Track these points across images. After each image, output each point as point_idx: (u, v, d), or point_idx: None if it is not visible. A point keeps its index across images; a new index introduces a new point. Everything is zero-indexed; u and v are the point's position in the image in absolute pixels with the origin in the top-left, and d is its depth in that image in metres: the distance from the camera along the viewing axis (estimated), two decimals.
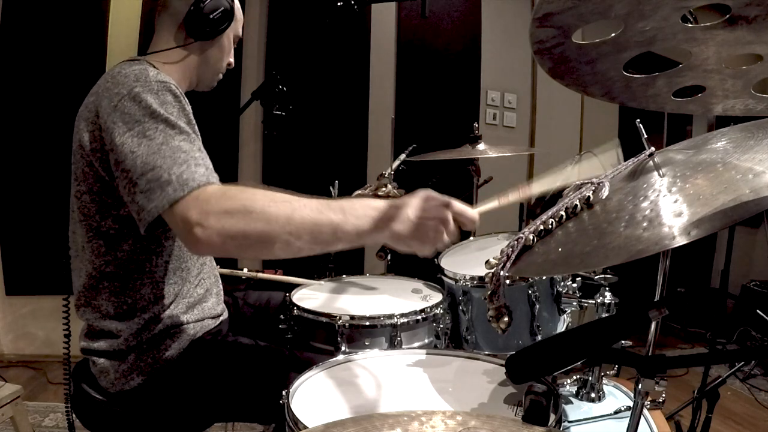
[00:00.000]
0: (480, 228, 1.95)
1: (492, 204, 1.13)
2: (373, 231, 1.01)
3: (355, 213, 1.01)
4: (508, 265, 0.95)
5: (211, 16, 1.27)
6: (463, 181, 2.31)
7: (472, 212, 1.07)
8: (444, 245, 1.04)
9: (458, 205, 1.05)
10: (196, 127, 1.15)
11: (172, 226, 1.04)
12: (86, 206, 1.18)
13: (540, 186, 1.14)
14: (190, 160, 1.05)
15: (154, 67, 1.19)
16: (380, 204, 1.03)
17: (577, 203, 0.92)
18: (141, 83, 1.10)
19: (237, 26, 1.37)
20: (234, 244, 1.00)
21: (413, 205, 1.02)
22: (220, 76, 1.41)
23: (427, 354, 1.24)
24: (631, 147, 1.04)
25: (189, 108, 1.15)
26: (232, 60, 1.41)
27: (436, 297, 1.61)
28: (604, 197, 0.89)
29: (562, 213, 0.93)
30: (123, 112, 1.08)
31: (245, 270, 2.01)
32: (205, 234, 0.98)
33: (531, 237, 0.94)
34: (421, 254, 1.05)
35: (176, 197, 1.00)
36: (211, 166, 1.08)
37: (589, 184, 0.94)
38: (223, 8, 1.29)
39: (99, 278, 1.21)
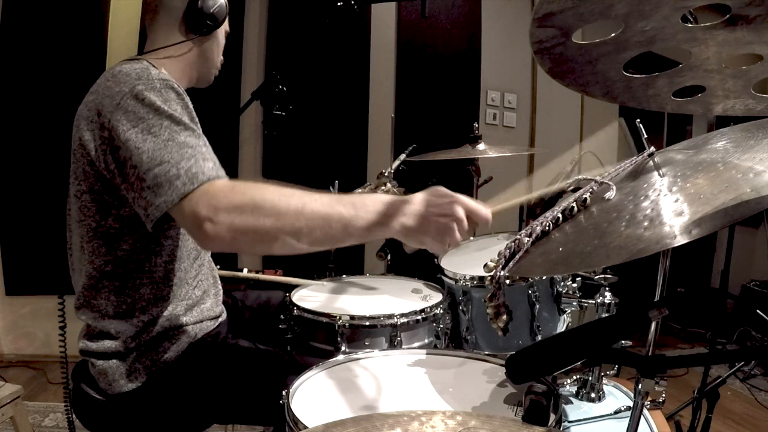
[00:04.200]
0: (480, 228, 1.95)
1: (507, 204, 1.11)
2: (383, 225, 1.00)
3: (365, 208, 1.00)
4: (509, 266, 0.95)
5: (211, 11, 1.29)
6: (463, 181, 2.31)
7: (486, 211, 1.03)
8: (456, 242, 1.01)
9: (471, 202, 1.02)
10: (199, 125, 1.15)
11: (180, 221, 1.04)
12: (86, 206, 1.18)
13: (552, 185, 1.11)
14: (198, 155, 1.05)
15: (155, 66, 1.19)
16: (390, 198, 1.02)
17: (574, 205, 0.92)
18: (143, 81, 1.11)
19: (226, 21, 1.39)
20: (245, 240, 0.99)
21: (423, 200, 1.01)
22: (216, 71, 1.42)
23: (427, 354, 1.24)
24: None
25: (191, 106, 1.15)
26: (221, 57, 1.42)
27: (436, 297, 1.61)
28: (611, 199, 0.88)
29: (559, 215, 0.93)
30: (126, 110, 1.08)
31: (245, 271, 2.01)
32: (215, 229, 0.97)
33: (526, 240, 0.94)
34: (432, 251, 1.04)
35: (185, 191, 1.00)
36: (218, 162, 1.07)
37: (593, 183, 0.94)
38: (220, 2, 1.30)
39: (98, 278, 1.20)
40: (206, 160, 1.05)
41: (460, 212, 1.00)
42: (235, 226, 0.98)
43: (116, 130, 1.08)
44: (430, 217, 0.99)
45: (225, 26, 1.38)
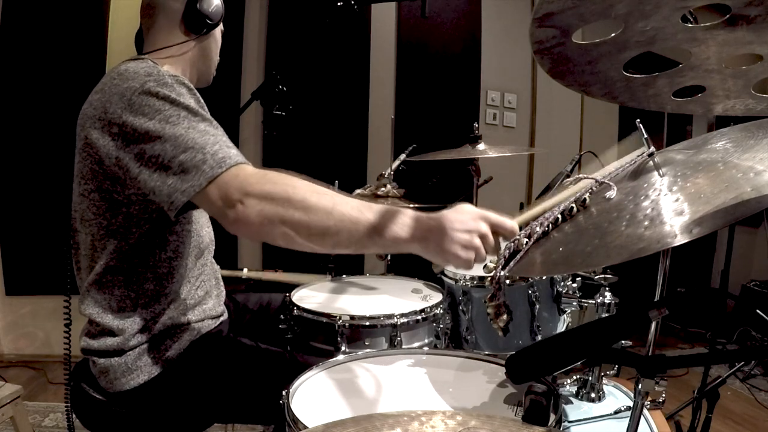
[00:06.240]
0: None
1: (532, 212, 1.10)
2: (408, 240, 0.99)
3: (393, 219, 0.99)
4: (509, 266, 0.95)
5: (210, 10, 1.30)
6: (463, 181, 2.31)
7: (511, 223, 1.03)
8: (482, 258, 1.00)
9: (495, 217, 1.01)
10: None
11: (207, 204, 1.03)
12: (95, 204, 1.18)
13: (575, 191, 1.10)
14: (221, 142, 1.05)
15: (159, 65, 1.19)
16: (417, 214, 1.01)
17: (573, 206, 0.92)
18: (153, 78, 1.11)
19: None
20: (270, 229, 0.99)
21: (447, 217, 1.00)
22: (214, 71, 1.43)
23: (427, 354, 1.24)
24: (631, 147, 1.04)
25: (203, 101, 1.16)
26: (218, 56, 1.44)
27: (436, 297, 1.61)
28: (612, 198, 0.88)
29: (558, 216, 0.93)
30: (140, 104, 1.08)
31: (245, 271, 2.01)
32: (245, 213, 0.98)
33: (526, 240, 0.94)
34: (458, 268, 1.03)
35: (214, 174, 1.00)
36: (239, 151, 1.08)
37: (594, 182, 0.94)
38: (216, 2, 1.32)
39: (103, 273, 1.21)
40: (230, 147, 1.05)
41: (484, 227, 0.99)
42: (265, 213, 0.98)
43: (131, 125, 1.07)
44: (455, 234, 0.98)
45: (221, 25, 1.39)
